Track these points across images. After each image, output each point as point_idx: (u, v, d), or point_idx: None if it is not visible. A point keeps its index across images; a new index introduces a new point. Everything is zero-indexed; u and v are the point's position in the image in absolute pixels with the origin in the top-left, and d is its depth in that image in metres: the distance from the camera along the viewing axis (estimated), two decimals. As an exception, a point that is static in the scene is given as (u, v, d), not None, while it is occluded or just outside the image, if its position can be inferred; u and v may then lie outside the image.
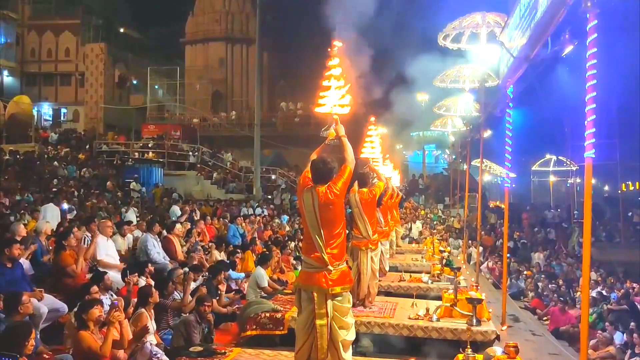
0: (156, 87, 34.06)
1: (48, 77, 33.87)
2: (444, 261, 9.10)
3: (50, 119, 33.05)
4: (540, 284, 13.66)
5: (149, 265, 7.09)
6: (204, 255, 8.73)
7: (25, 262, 6.25)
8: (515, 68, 6.38)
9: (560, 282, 13.65)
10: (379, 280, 7.33)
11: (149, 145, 25.13)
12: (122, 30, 35.56)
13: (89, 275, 6.38)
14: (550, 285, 13.19)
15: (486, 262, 15.36)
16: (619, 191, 24.92)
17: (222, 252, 9.36)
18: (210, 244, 9.95)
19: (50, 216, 10.17)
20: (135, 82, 34.73)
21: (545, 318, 11.46)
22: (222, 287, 7.05)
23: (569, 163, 24.08)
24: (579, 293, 11.74)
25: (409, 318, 6.10)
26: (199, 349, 5.17)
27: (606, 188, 29.69)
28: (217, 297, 6.83)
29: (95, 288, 5.38)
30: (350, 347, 4.13)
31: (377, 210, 7.32)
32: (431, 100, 15.42)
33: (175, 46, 36.46)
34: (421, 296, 7.45)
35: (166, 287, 6.19)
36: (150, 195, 18.77)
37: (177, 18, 36.67)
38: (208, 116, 32.72)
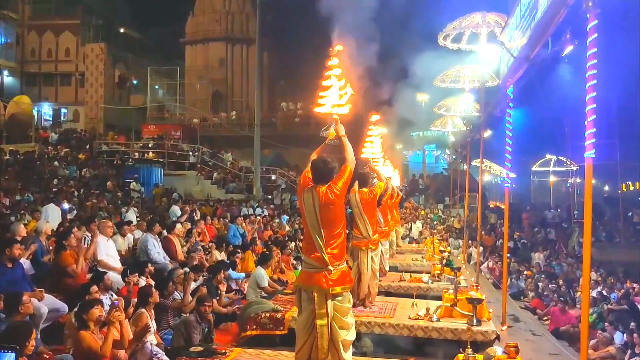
0: (156, 87, 34.06)
1: (48, 77, 33.89)
2: (444, 261, 9.10)
3: (51, 119, 33.06)
4: (540, 284, 13.66)
5: (149, 265, 7.10)
6: (204, 255, 8.73)
7: (25, 262, 6.25)
8: (516, 68, 6.38)
9: (561, 282, 13.65)
10: (379, 280, 7.33)
11: (149, 145, 25.13)
12: (122, 30, 35.58)
13: (89, 275, 6.39)
14: (550, 285, 13.19)
15: (486, 262, 15.36)
16: (619, 191, 24.90)
17: (223, 252, 9.37)
18: (210, 244, 9.95)
19: (51, 216, 10.18)
20: (135, 82, 34.74)
21: (545, 318, 11.47)
22: (223, 287, 7.05)
23: (569, 163, 24.08)
24: (579, 293, 11.74)
25: (409, 318, 6.10)
26: (199, 349, 5.17)
27: (606, 188, 29.66)
28: (218, 297, 6.83)
29: (95, 288, 5.38)
30: (351, 347, 4.13)
31: (377, 210, 7.32)
32: (431, 100, 15.42)
33: (175, 46, 36.47)
34: (421, 296, 7.45)
35: (166, 287, 6.19)
36: (150, 195, 18.77)
37: (177, 18, 36.72)
38: (208, 116, 32.73)
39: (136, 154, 24.34)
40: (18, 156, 18.94)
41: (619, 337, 9.09)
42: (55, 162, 19.42)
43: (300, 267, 5.50)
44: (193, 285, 6.56)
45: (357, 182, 6.59)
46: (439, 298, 6.82)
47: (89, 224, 8.14)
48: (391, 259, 10.15)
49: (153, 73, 32.60)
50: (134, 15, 37.87)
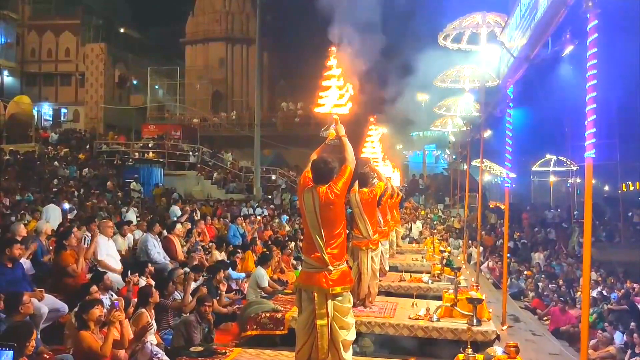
0: (156, 87, 34.06)
1: (48, 77, 33.90)
2: (444, 261, 9.09)
3: (51, 119, 33.07)
4: (540, 284, 13.66)
5: (149, 265, 7.10)
6: (204, 256, 8.73)
7: (26, 262, 6.25)
8: (516, 68, 6.38)
9: (561, 282, 13.65)
10: (379, 280, 7.33)
11: (149, 145, 25.11)
12: (122, 30, 35.60)
13: (89, 275, 6.39)
14: (550, 285, 13.19)
15: (486, 262, 15.35)
16: (619, 191, 24.88)
17: (223, 252, 9.37)
18: (210, 244, 9.95)
19: (52, 216, 10.19)
20: (135, 82, 34.74)
21: (545, 318, 11.47)
22: (223, 287, 7.06)
23: (569, 163, 24.07)
24: (579, 293, 11.75)
25: (410, 318, 6.10)
26: (200, 349, 5.17)
27: (606, 188, 29.66)
28: (218, 297, 6.84)
29: (95, 288, 5.38)
30: (351, 347, 4.13)
31: (377, 210, 7.32)
32: (431, 100, 15.42)
33: (175, 46, 36.48)
34: (421, 296, 7.45)
35: (166, 287, 6.19)
36: (150, 195, 18.77)
37: (177, 18, 36.72)
38: (208, 116, 32.73)
39: (136, 154, 24.33)
40: (18, 156, 18.93)
41: (619, 337, 9.09)
42: (55, 162, 19.41)
43: (300, 267, 5.50)
44: (193, 285, 6.56)
45: (357, 182, 6.59)
46: (439, 298, 6.82)
47: (89, 224, 8.14)
48: (391, 259, 10.15)
49: (153, 73, 32.60)
50: (134, 15, 37.92)
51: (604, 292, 12.24)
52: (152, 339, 5.08)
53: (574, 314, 10.65)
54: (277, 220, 15.48)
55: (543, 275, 14.64)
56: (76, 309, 4.79)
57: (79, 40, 33.23)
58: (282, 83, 36.88)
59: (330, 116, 4.35)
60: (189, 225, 10.65)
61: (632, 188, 27.70)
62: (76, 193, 14.85)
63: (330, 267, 3.97)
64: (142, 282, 6.37)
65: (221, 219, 13.17)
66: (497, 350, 4.65)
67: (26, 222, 9.59)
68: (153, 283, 6.30)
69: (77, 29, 33.13)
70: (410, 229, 17.25)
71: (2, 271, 5.48)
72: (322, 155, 4.25)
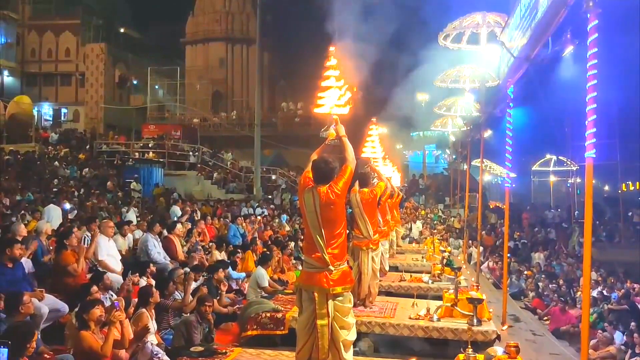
0: (156, 87, 34.06)
1: (48, 77, 33.90)
2: (445, 261, 9.09)
3: (51, 119, 33.06)
4: (540, 284, 13.66)
5: (151, 265, 7.11)
6: (205, 255, 8.73)
7: (27, 262, 6.25)
8: (516, 68, 6.38)
9: (561, 282, 13.65)
10: (380, 280, 7.33)
11: (150, 145, 25.11)
12: (122, 30, 35.60)
13: (89, 275, 6.39)
14: (550, 285, 13.19)
15: (486, 262, 15.35)
16: (619, 191, 24.88)
17: (223, 252, 9.36)
18: (210, 244, 9.95)
19: (53, 216, 10.18)
20: (135, 82, 34.74)
21: (545, 318, 11.47)
22: (223, 287, 7.05)
23: (569, 163, 24.07)
24: (579, 293, 11.76)
25: (410, 318, 6.10)
26: (200, 349, 5.18)
27: (606, 188, 29.67)
28: (218, 297, 6.84)
29: (95, 288, 5.38)
30: (352, 347, 4.13)
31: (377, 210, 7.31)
32: (431, 100, 15.42)
33: (176, 46, 36.50)
34: (422, 296, 7.45)
35: (167, 287, 6.19)
36: (150, 195, 18.77)
37: (177, 18, 36.71)
38: (208, 116, 32.73)
39: (136, 154, 24.32)
40: (18, 156, 18.93)
41: (619, 337, 9.10)
42: (56, 162, 19.41)
43: (300, 267, 5.50)
44: (193, 285, 6.56)
45: (357, 182, 6.59)
46: (440, 298, 6.83)
47: (89, 224, 8.14)
48: (391, 259, 10.15)
49: (153, 73, 32.59)
50: (134, 15, 37.96)
51: (604, 292, 12.25)
52: (152, 339, 5.08)
53: (574, 313, 10.65)
54: (277, 220, 15.49)
55: (543, 275, 14.64)
56: (77, 309, 4.79)
57: (79, 40, 33.23)
58: (282, 83, 36.89)
59: (330, 116, 4.35)
60: (189, 225, 10.65)
61: (632, 188, 27.71)
62: (76, 193, 14.84)
63: (331, 267, 3.97)
64: (143, 282, 6.37)
65: (221, 219, 13.17)
66: (498, 350, 4.66)
67: (26, 222, 9.59)
68: (153, 283, 6.30)
69: (77, 29, 33.13)
70: (411, 229, 17.25)
71: (2, 271, 5.48)
72: (322, 155, 4.25)
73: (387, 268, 8.80)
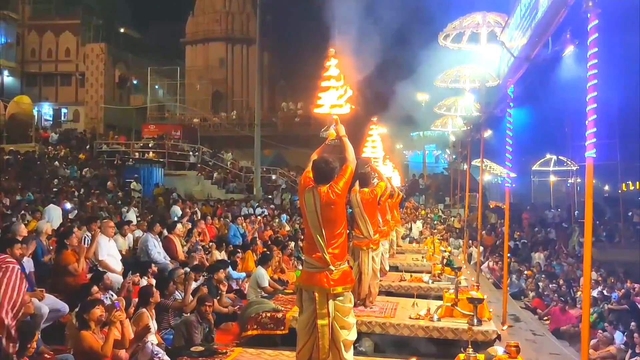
0: (156, 87, 34.06)
1: (48, 77, 33.91)
2: (445, 261, 9.10)
3: (51, 119, 33.06)
4: (540, 284, 13.66)
5: (152, 265, 7.11)
6: (205, 255, 8.73)
7: (28, 261, 6.24)
8: (516, 68, 6.38)
9: (561, 281, 13.64)
10: (380, 280, 7.33)
11: (150, 145, 25.11)
12: (122, 30, 35.60)
13: (89, 275, 6.39)
14: (550, 285, 13.19)
15: (487, 262, 15.35)
16: (619, 191, 24.87)
17: (223, 252, 9.36)
18: (210, 243, 9.94)
19: (53, 216, 10.18)
20: (135, 82, 34.74)
21: (545, 318, 11.46)
22: (223, 287, 7.06)
23: (569, 163, 24.07)
24: (579, 293, 11.76)
25: (410, 318, 6.10)
26: (200, 348, 5.18)
27: (606, 188, 29.66)
28: (218, 297, 6.84)
29: (95, 288, 5.39)
30: (352, 347, 4.14)
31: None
32: (431, 100, 15.41)
33: (176, 46, 36.51)
34: (422, 296, 7.46)
35: (167, 287, 6.19)
36: (150, 195, 18.77)
37: (177, 18, 36.73)
38: (208, 116, 32.74)
39: (136, 154, 24.32)
40: (18, 156, 18.91)
41: (619, 337, 9.10)
42: (56, 162, 19.40)
43: (300, 267, 5.50)
44: (194, 285, 6.56)
45: (358, 181, 6.60)
46: (440, 298, 6.83)
47: (89, 224, 8.14)
48: (391, 258, 10.15)
49: (153, 73, 32.60)
50: (134, 15, 37.97)
51: (605, 292, 12.24)
52: (152, 338, 5.08)
53: (575, 313, 10.65)
54: (277, 220, 15.49)
55: (543, 275, 14.64)
56: (77, 309, 4.79)
57: (79, 40, 33.23)
58: (282, 83, 36.90)
59: (330, 116, 4.35)
60: (189, 225, 10.65)
61: (632, 188, 27.69)
62: (76, 193, 14.84)
63: (332, 267, 3.97)
64: (144, 282, 6.37)
65: (221, 219, 13.17)
66: (498, 350, 4.66)
67: (27, 222, 9.59)
68: (154, 282, 6.30)
69: (77, 29, 33.14)
70: (411, 229, 17.25)
71: (2, 271, 5.48)
72: (322, 155, 4.25)
73: (387, 268, 8.79)
